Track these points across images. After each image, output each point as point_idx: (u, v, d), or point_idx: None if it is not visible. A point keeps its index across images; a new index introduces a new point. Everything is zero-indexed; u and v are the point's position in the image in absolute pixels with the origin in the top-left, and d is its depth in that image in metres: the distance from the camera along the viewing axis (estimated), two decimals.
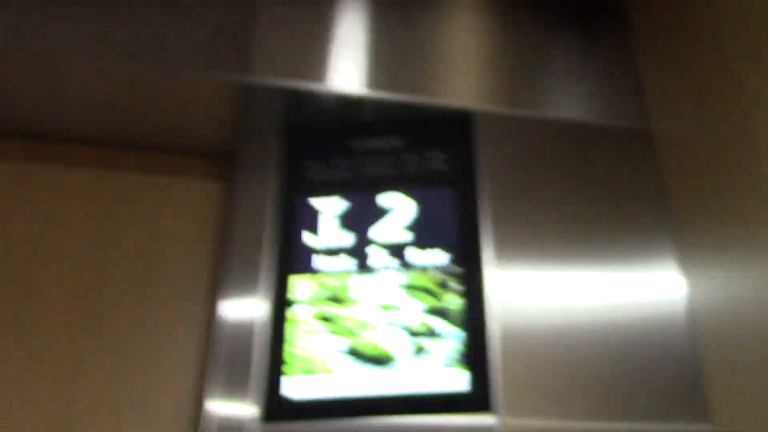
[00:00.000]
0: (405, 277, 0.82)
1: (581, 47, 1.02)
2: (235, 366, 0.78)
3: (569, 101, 0.97)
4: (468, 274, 0.82)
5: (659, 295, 0.82)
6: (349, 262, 0.84)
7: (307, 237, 0.86)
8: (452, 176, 0.89)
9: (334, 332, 0.79)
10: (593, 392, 0.76)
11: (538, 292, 0.81)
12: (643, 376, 0.77)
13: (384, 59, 0.94)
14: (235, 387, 0.76)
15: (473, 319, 0.79)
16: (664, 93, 0.94)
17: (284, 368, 0.78)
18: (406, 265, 0.83)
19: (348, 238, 0.86)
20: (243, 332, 0.79)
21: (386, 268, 0.83)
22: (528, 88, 0.97)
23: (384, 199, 0.88)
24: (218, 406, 0.75)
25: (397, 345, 0.78)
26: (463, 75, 0.96)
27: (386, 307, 0.80)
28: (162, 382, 0.84)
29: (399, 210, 0.87)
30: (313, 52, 0.93)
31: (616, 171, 0.91)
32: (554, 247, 0.84)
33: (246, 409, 0.75)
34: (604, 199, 0.89)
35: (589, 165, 0.91)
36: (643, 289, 0.83)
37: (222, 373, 0.77)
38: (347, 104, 0.93)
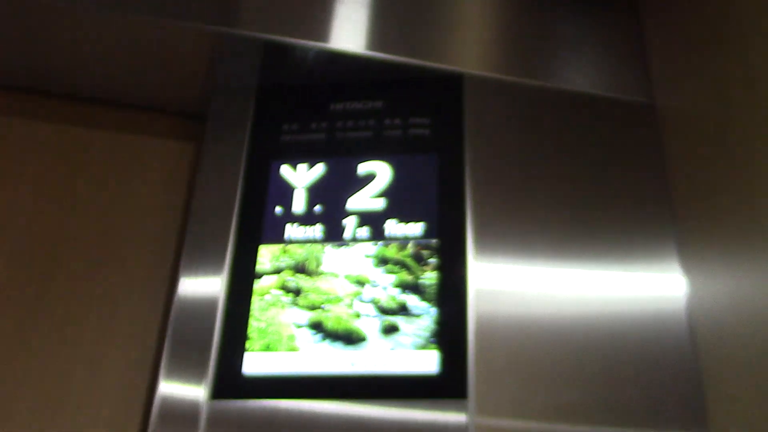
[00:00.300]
0: (381, 249, 0.76)
1: (585, 16, 0.94)
2: (195, 341, 0.72)
3: (569, 71, 0.89)
4: (447, 249, 0.75)
5: (658, 292, 0.75)
6: (323, 232, 0.78)
7: (278, 204, 0.80)
8: (436, 143, 0.82)
9: (301, 306, 0.73)
10: (577, 392, 0.69)
11: (522, 278, 0.74)
12: (639, 378, 0.70)
13: (375, 17, 0.87)
14: (195, 364, 0.71)
15: (450, 298, 0.73)
16: (671, 66, 0.86)
17: (245, 343, 0.72)
18: (382, 236, 0.77)
19: (323, 207, 0.80)
20: (206, 306, 0.74)
21: (361, 239, 0.77)
22: (526, 55, 0.89)
23: (363, 165, 0.82)
24: (172, 387, 0.70)
25: (367, 322, 0.72)
26: (458, 38, 0.89)
27: (358, 281, 0.74)
28: (117, 356, 0.79)
29: (378, 177, 0.81)
30: (301, 5, 0.86)
31: (616, 149, 0.83)
32: (544, 231, 0.77)
33: (201, 389, 0.70)
34: (602, 179, 0.81)
35: (588, 141, 0.83)
36: (642, 283, 0.75)
37: (182, 348, 0.72)
38: (327, 64, 0.86)
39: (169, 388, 0.70)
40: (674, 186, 0.81)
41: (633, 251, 0.77)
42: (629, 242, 0.77)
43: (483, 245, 0.75)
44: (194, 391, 0.70)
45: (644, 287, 0.75)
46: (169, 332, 0.73)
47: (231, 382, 0.70)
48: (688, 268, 0.76)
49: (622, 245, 0.77)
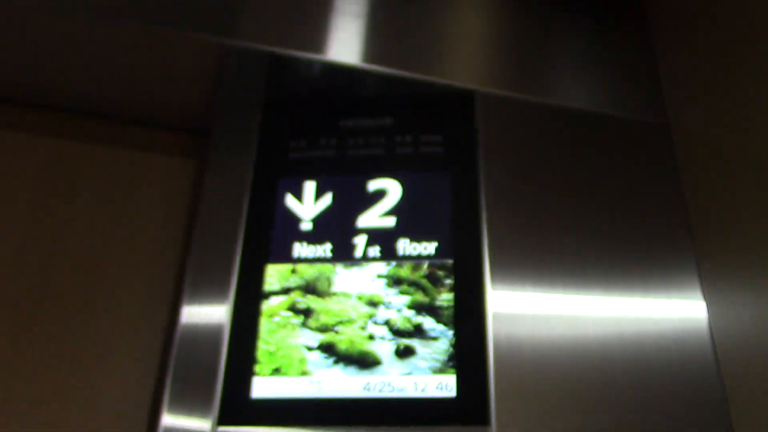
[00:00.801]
0: (394, 269, 0.73)
1: (596, 35, 0.94)
2: (200, 366, 0.68)
3: (580, 90, 0.88)
4: (463, 270, 0.73)
5: (680, 315, 0.73)
6: (332, 251, 0.75)
7: (286, 222, 0.77)
8: (449, 162, 0.80)
9: (312, 328, 0.70)
10: (601, 418, 0.67)
11: (541, 301, 0.72)
12: (663, 403, 0.68)
13: (383, 32, 0.86)
14: (200, 392, 0.67)
15: (467, 321, 0.70)
16: (684, 88, 0.85)
17: (253, 367, 0.69)
18: (395, 255, 0.74)
19: (332, 225, 0.77)
20: (212, 329, 0.70)
21: (373, 258, 0.74)
22: (536, 73, 0.88)
23: (373, 182, 0.80)
24: (175, 420, 0.66)
25: (381, 344, 0.69)
26: (467, 54, 0.87)
27: (370, 302, 0.72)
28: (116, 382, 0.75)
29: (389, 195, 0.79)
30: (307, 18, 0.84)
31: (632, 169, 0.82)
32: (561, 254, 0.75)
33: (207, 422, 0.66)
34: (618, 200, 0.80)
35: (603, 162, 0.82)
36: (663, 306, 0.74)
37: (186, 374, 0.68)
38: (336, 79, 0.84)
39: (172, 420, 0.66)
40: (692, 208, 0.79)
41: (652, 274, 0.75)
42: (648, 266, 0.76)
43: (500, 267, 0.73)
44: (199, 424, 0.66)
45: (665, 311, 0.73)
46: (172, 356, 0.69)
47: (238, 407, 0.66)
48: (709, 291, 0.74)
49: (641, 267, 0.76)
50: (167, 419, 0.66)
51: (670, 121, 0.86)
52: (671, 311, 0.74)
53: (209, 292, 0.73)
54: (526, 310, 0.71)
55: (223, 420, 0.66)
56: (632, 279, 0.75)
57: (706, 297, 0.74)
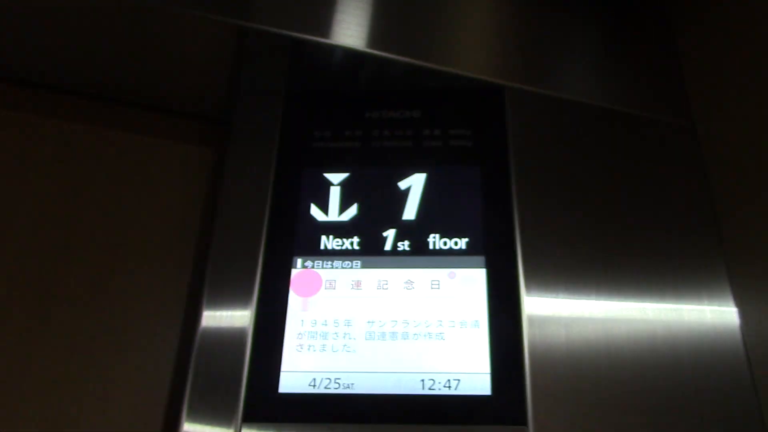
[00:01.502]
0: (421, 265, 0.71)
1: (620, 33, 0.93)
2: (222, 361, 0.66)
3: (606, 88, 0.87)
4: (494, 267, 0.71)
5: (711, 319, 0.72)
6: (360, 245, 0.73)
7: (311, 216, 0.75)
8: (479, 156, 0.78)
9: (340, 323, 0.68)
10: (635, 419, 0.65)
11: (573, 304, 0.71)
12: (696, 409, 0.67)
13: (409, 22, 0.84)
14: (222, 387, 0.65)
15: (502, 320, 0.68)
16: (709, 89, 0.85)
17: (279, 363, 0.66)
18: (424, 250, 0.72)
19: (359, 218, 0.75)
20: (234, 329, 0.68)
21: (402, 251, 0.72)
22: (563, 69, 0.87)
23: (400, 175, 0.77)
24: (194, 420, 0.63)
25: (411, 340, 0.67)
26: (496, 49, 0.86)
27: (398, 297, 0.70)
28: (132, 376, 0.72)
29: (417, 189, 0.77)
30: (329, 3, 0.82)
31: (659, 169, 0.81)
32: (593, 254, 0.74)
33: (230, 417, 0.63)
34: (649, 203, 0.79)
35: (631, 162, 0.81)
36: (694, 309, 0.73)
37: (206, 369, 0.65)
38: (361, 68, 0.83)
39: (192, 422, 0.63)
40: (721, 213, 0.78)
41: (683, 280, 0.74)
42: (679, 271, 0.75)
43: (533, 267, 0.71)
44: (222, 422, 0.63)
45: (697, 316, 0.72)
46: (194, 349, 0.67)
47: (265, 401, 0.64)
48: (740, 298, 0.73)
49: (672, 273, 0.75)
50: (187, 419, 0.63)
51: (696, 121, 0.85)
52: (703, 317, 0.73)
53: (232, 285, 0.70)
54: (559, 312, 0.70)
55: (248, 417, 0.63)
56: (663, 284, 0.74)
57: (738, 303, 0.74)
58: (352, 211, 0.75)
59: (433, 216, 0.75)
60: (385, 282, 0.71)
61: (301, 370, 0.66)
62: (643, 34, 0.93)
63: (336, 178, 0.77)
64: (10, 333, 0.71)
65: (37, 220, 0.77)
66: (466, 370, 0.66)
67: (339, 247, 0.73)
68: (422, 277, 0.71)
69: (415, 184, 0.77)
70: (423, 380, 0.65)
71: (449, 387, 0.65)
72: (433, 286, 0.70)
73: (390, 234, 0.74)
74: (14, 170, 0.79)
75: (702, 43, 0.88)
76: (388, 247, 0.73)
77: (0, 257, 0.74)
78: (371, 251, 0.73)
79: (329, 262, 0.72)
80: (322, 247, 0.73)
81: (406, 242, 0.73)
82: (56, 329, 0.72)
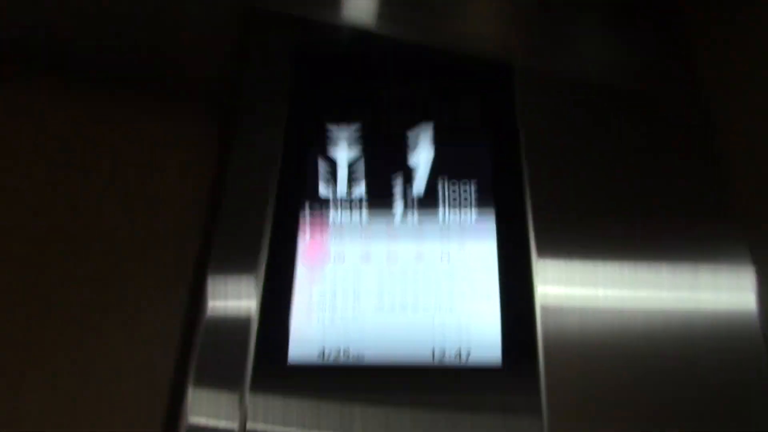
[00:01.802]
0: (431, 240, 0.71)
1: (630, 12, 0.93)
2: (230, 341, 0.65)
3: (616, 68, 0.87)
4: (505, 248, 0.70)
5: (730, 307, 0.70)
6: (369, 223, 0.72)
7: (320, 193, 0.74)
8: (488, 134, 0.78)
9: (348, 296, 0.67)
10: (649, 392, 0.64)
11: (588, 277, 0.69)
12: (713, 397, 0.65)
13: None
14: (228, 357, 0.64)
15: (510, 291, 0.67)
16: (721, 69, 0.84)
17: (287, 334, 0.65)
18: (434, 222, 0.72)
19: (368, 194, 0.74)
20: (241, 313, 0.67)
21: (411, 228, 0.72)
22: (572, 49, 0.87)
23: (409, 151, 0.77)
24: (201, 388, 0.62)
25: (421, 312, 0.66)
26: (505, 27, 0.86)
27: (408, 271, 0.69)
28: (138, 350, 0.71)
29: (426, 165, 0.76)
30: None
31: (675, 155, 0.80)
32: (607, 228, 0.72)
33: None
34: (663, 189, 0.77)
35: (643, 139, 0.80)
36: (711, 283, 0.71)
37: (212, 342, 0.65)
38: (368, 47, 0.82)
39: (199, 389, 0.63)
40: (738, 200, 0.77)
41: (701, 268, 0.72)
42: (697, 259, 0.73)
43: (545, 241, 0.70)
44: (228, 393, 0.62)
45: (715, 305, 0.70)
46: (201, 323, 0.66)
47: (274, 371, 0.63)
48: (760, 287, 0.72)
49: (689, 261, 0.73)
50: (194, 389, 0.63)
51: (708, 101, 0.84)
52: (721, 305, 0.71)
53: (238, 257, 0.70)
54: (572, 284, 0.69)
55: (256, 388, 0.63)
56: (681, 272, 0.72)
57: (757, 293, 0.72)
58: (360, 190, 0.75)
59: (443, 193, 0.74)
60: (395, 253, 0.70)
61: (310, 341, 0.65)
62: (656, 13, 0.92)
63: (343, 156, 0.77)
64: (10, 327, 0.70)
65: (48, 195, 0.77)
66: (477, 341, 0.65)
67: (347, 219, 0.72)
68: (433, 248, 0.70)
69: (423, 159, 0.76)
70: (434, 351, 0.64)
71: (460, 358, 0.64)
72: (443, 258, 0.69)
73: (398, 208, 0.73)
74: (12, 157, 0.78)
75: (714, 22, 0.88)
76: (396, 221, 0.72)
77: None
78: (381, 222, 0.72)
79: (338, 237, 0.71)
80: (331, 220, 0.72)
81: (416, 216, 0.72)
82: (65, 303, 0.71)
